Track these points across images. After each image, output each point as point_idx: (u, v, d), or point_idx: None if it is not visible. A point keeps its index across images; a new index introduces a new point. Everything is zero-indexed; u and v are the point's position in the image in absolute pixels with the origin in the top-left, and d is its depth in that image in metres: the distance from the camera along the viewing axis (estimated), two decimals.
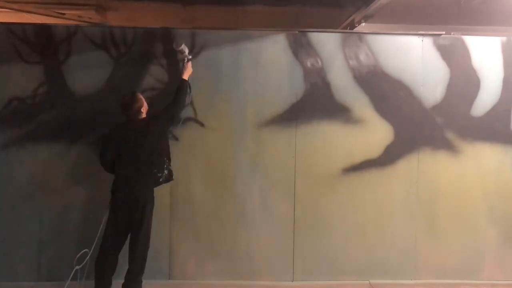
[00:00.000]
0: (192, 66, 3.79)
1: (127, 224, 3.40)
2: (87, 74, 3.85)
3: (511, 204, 4.07)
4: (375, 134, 4.00)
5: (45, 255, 3.88)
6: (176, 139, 3.91)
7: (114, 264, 3.45)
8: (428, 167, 4.02)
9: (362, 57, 3.98)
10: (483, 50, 4.04)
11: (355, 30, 4.88)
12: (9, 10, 4.70)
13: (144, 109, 3.53)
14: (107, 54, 3.87)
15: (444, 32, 4.05)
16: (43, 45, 3.85)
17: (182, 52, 3.66)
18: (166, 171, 3.52)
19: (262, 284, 3.90)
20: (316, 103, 3.92)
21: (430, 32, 4.03)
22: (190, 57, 3.73)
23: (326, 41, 3.97)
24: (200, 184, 3.92)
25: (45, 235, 3.87)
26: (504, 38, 4.07)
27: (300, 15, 4.93)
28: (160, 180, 3.50)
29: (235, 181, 3.93)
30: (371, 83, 3.98)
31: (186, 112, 3.91)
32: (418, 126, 4.02)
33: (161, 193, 3.90)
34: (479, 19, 4.95)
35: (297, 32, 3.96)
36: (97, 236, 3.44)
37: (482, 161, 4.04)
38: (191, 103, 3.90)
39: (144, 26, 3.95)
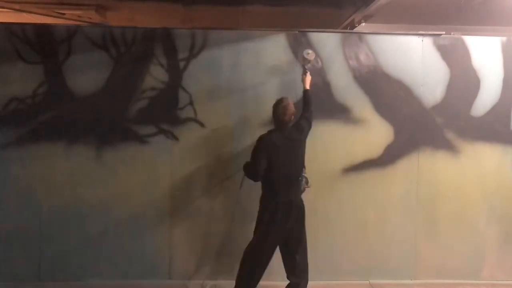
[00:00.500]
0: (192, 66, 3.80)
1: (286, 233, 3.35)
2: (87, 74, 3.85)
3: (511, 204, 4.07)
4: (375, 134, 4.00)
5: (45, 255, 3.87)
6: (176, 139, 3.91)
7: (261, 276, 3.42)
8: (428, 167, 4.02)
9: (362, 57, 3.98)
10: (483, 50, 4.04)
11: (355, 30, 4.89)
12: (9, 10, 4.69)
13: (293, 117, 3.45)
14: (107, 54, 3.86)
15: (444, 32, 4.05)
16: (43, 45, 3.85)
17: (309, 61, 3.67)
18: (304, 177, 3.45)
19: (262, 284, 3.88)
20: (316, 103, 3.91)
21: (430, 32, 4.03)
22: (307, 69, 3.71)
23: (326, 41, 3.97)
24: (200, 184, 3.92)
25: (46, 235, 3.87)
26: (504, 38, 4.07)
27: (300, 15, 4.93)
28: (301, 188, 3.43)
29: (234, 181, 3.92)
30: (371, 83, 3.98)
31: (186, 112, 3.91)
32: (418, 126, 4.02)
33: (161, 193, 3.92)
34: (479, 19, 4.95)
35: (297, 32, 3.96)
36: None
37: (482, 161, 4.04)
38: (191, 103, 3.90)
39: (144, 26, 3.96)
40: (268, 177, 3.32)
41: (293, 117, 3.41)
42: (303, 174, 3.44)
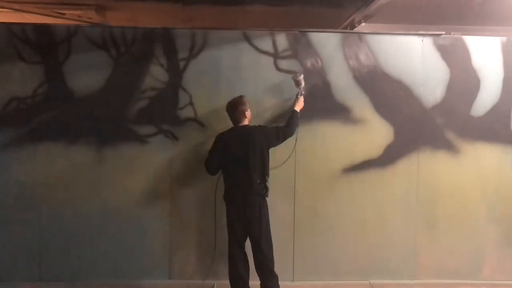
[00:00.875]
0: (192, 66, 3.79)
1: (244, 231, 3.43)
2: (87, 74, 3.85)
3: (511, 204, 4.07)
4: (375, 134, 3.99)
5: (45, 255, 3.87)
6: (176, 139, 3.91)
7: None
8: (428, 167, 4.02)
9: (362, 57, 3.98)
10: (483, 50, 4.04)
11: (355, 30, 4.88)
12: (9, 10, 4.69)
13: (248, 114, 3.52)
14: (107, 54, 3.86)
15: (444, 32, 4.05)
16: (43, 45, 3.85)
17: (300, 83, 3.68)
18: (265, 185, 3.44)
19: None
20: (316, 103, 3.92)
21: (430, 32, 4.03)
22: (303, 92, 3.72)
23: (326, 41, 3.97)
24: (200, 184, 3.92)
25: (45, 235, 3.87)
26: (504, 38, 4.06)
27: (300, 15, 4.93)
28: (261, 192, 3.44)
29: None
30: (371, 83, 3.98)
31: (186, 112, 3.91)
32: (418, 126, 4.02)
33: (161, 193, 3.92)
34: (479, 19, 4.95)
35: (297, 32, 3.96)
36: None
37: (482, 161, 4.04)
38: (191, 103, 3.90)
39: (144, 26, 3.96)
40: (225, 173, 3.48)
41: (244, 116, 3.48)
42: (265, 180, 3.43)
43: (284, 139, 3.57)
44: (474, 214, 4.05)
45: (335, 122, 3.97)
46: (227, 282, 3.48)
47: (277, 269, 3.45)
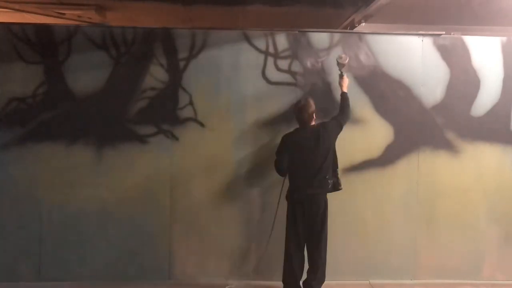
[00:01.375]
0: (192, 66, 3.79)
1: (307, 230, 3.49)
2: (87, 74, 3.85)
3: (511, 204, 4.07)
4: (375, 134, 4.00)
5: (45, 255, 3.87)
6: (176, 139, 3.91)
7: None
8: (428, 167, 4.02)
9: (362, 57, 3.98)
10: (483, 50, 4.04)
11: (355, 30, 4.88)
12: (9, 10, 4.69)
13: (315, 116, 3.60)
14: (107, 54, 3.86)
15: (444, 32, 4.05)
16: (43, 45, 3.85)
17: (343, 65, 3.72)
18: (335, 179, 3.61)
19: (263, 284, 3.90)
20: (316, 103, 3.91)
21: (430, 32, 4.03)
22: (343, 72, 3.77)
23: (326, 41, 3.97)
24: (200, 184, 3.92)
25: (45, 235, 3.87)
26: (504, 38, 4.06)
27: (300, 15, 4.93)
28: (329, 186, 3.54)
29: (235, 181, 3.93)
30: (371, 83, 3.98)
31: (186, 112, 3.91)
32: (418, 126, 4.02)
33: (161, 193, 3.92)
34: (479, 19, 4.95)
35: (297, 32, 3.96)
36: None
37: (482, 161, 4.04)
38: (191, 103, 3.91)
39: (144, 26, 3.96)
40: (290, 173, 3.55)
41: (313, 116, 3.55)
42: (335, 174, 3.60)
43: (343, 125, 3.65)
44: (474, 214, 4.05)
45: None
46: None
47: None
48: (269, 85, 3.94)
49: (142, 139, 3.90)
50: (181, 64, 3.90)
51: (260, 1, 4.52)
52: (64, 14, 4.96)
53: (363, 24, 4.89)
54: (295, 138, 3.55)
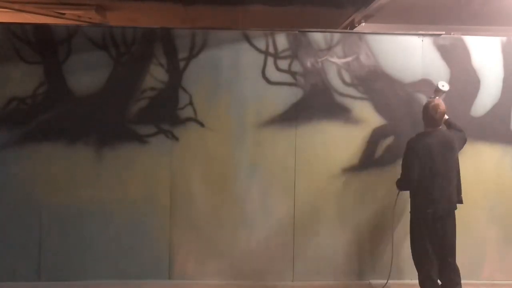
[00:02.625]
0: (192, 66, 3.80)
1: (440, 240, 3.25)
2: (87, 74, 3.85)
3: (511, 204, 4.07)
4: (375, 134, 3.99)
5: (45, 255, 3.87)
6: (176, 139, 3.91)
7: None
8: None
9: (362, 57, 3.98)
10: (483, 50, 4.04)
11: (355, 30, 4.88)
12: (9, 10, 4.69)
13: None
14: (107, 54, 3.86)
15: (444, 32, 4.05)
16: (43, 45, 3.85)
17: (442, 93, 3.61)
18: (460, 191, 3.35)
19: (262, 284, 3.90)
20: (316, 103, 3.92)
21: (430, 32, 4.03)
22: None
23: (326, 41, 3.97)
24: (200, 184, 3.92)
25: (45, 235, 3.87)
26: (504, 38, 4.06)
27: (300, 15, 4.94)
28: (461, 196, 3.33)
29: (235, 181, 3.93)
30: (371, 83, 3.98)
31: (186, 112, 3.91)
32: (418, 126, 4.01)
33: (161, 193, 3.92)
34: (479, 19, 4.95)
35: (297, 32, 3.96)
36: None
37: (482, 161, 4.04)
38: (191, 103, 3.91)
39: (144, 26, 3.96)
40: (421, 184, 3.20)
41: (444, 116, 3.38)
42: (459, 186, 3.34)
43: (465, 139, 3.52)
44: (474, 214, 4.04)
45: (335, 122, 3.97)
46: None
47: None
48: (269, 85, 3.94)
49: (142, 139, 3.90)
50: (181, 64, 3.90)
51: (260, 1, 4.53)
52: (64, 14, 4.96)
53: (363, 24, 4.90)
54: (426, 143, 3.21)
